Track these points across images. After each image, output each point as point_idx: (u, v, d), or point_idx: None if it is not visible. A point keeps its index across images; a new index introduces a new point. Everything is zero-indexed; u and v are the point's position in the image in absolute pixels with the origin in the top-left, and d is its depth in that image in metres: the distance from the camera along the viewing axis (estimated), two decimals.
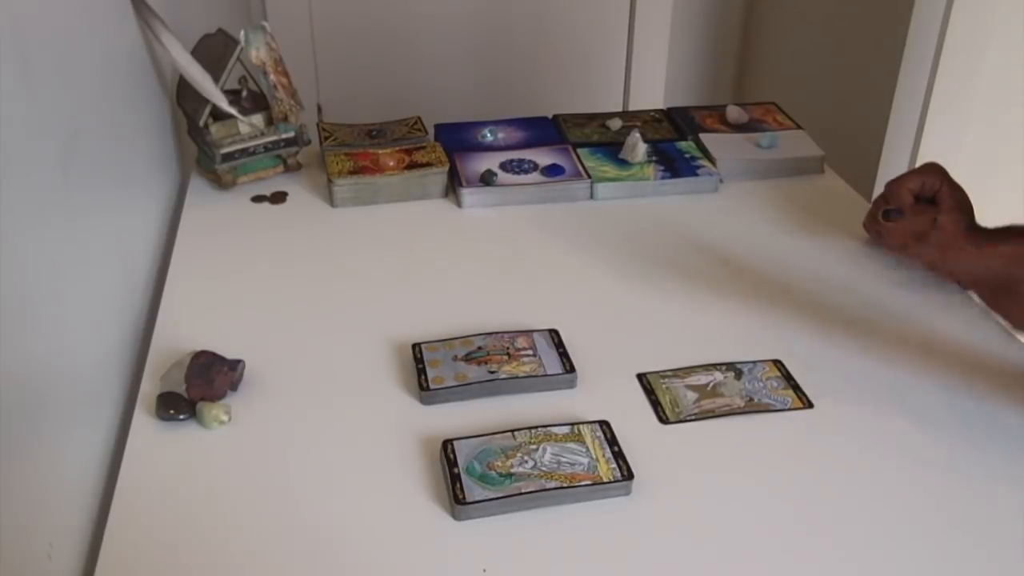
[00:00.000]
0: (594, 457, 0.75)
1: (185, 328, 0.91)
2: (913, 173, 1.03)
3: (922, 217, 1.01)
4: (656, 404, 0.83)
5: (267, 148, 1.19)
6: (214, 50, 1.15)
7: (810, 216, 1.14)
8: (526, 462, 0.74)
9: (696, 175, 1.19)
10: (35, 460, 0.66)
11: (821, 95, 2.06)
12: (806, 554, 0.69)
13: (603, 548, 0.69)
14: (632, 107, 2.37)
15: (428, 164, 1.17)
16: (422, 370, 0.85)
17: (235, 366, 0.83)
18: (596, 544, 0.70)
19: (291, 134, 1.20)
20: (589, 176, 1.18)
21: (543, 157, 1.22)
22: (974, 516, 0.73)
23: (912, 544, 0.70)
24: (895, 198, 1.02)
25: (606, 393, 0.84)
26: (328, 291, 0.99)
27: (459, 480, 0.73)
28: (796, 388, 0.85)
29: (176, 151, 1.24)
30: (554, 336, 0.90)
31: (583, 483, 0.73)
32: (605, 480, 0.73)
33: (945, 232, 0.96)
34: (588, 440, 0.77)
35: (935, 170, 1.03)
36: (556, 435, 0.77)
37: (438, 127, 1.29)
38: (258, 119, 1.18)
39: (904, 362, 0.89)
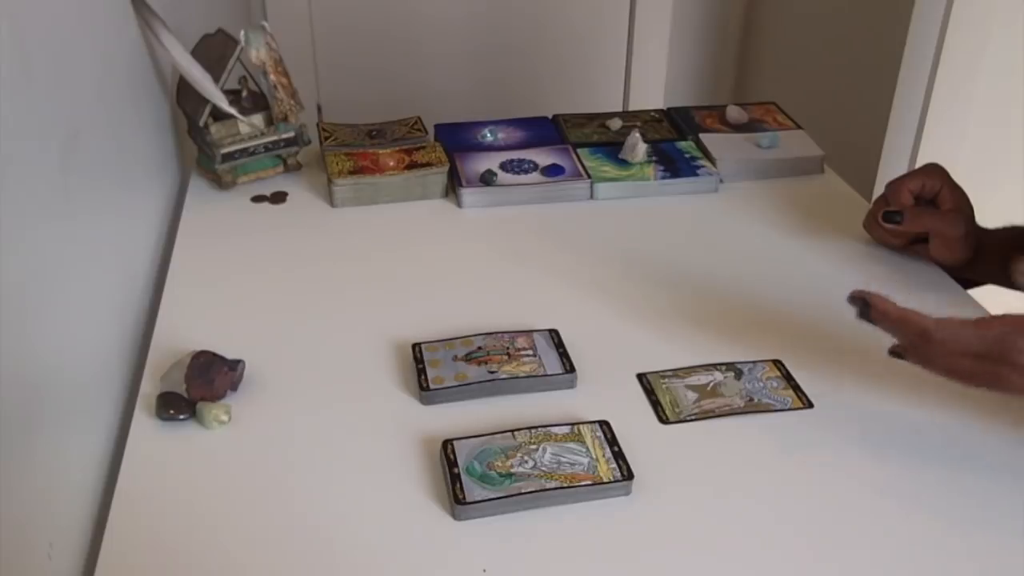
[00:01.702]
0: (594, 457, 0.75)
1: (185, 328, 0.91)
2: (914, 174, 1.03)
3: (921, 220, 1.01)
4: (656, 404, 0.83)
5: (267, 148, 1.19)
6: (214, 50, 1.15)
7: (810, 216, 1.14)
8: (526, 462, 0.74)
9: (696, 175, 1.19)
10: (35, 460, 0.66)
11: (821, 95, 2.06)
12: (806, 554, 0.69)
13: (603, 548, 0.69)
14: (632, 107, 2.37)
15: (428, 164, 1.17)
16: (422, 370, 0.85)
17: (235, 366, 0.83)
18: (596, 544, 0.70)
19: (291, 134, 1.20)
20: (589, 176, 1.18)
21: (543, 157, 1.22)
22: (975, 513, 0.73)
23: (913, 542, 0.70)
24: (895, 199, 1.02)
25: (606, 393, 0.84)
26: (328, 291, 0.99)
27: (459, 480, 0.73)
28: (796, 388, 0.85)
29: (176, 151, 1.24)
30: (554, 336, 0.90)
31: (583, 483, 0.73)
32: (605, 480, 0.73)
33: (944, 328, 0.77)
34: (588, 440, 0.77)
35: (936, 171, 1.03)
36: (556, 435, 0.77)
37: (438, 127, 1.29)
38: (258, 119, 1.18)
39: (904, 362, 0.89)
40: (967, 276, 1.04)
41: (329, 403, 0.83)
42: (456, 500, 0.71)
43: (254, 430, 0.80)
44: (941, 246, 1.00)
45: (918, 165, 1.78)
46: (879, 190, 1.07)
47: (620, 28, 2.36)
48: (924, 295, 0.99)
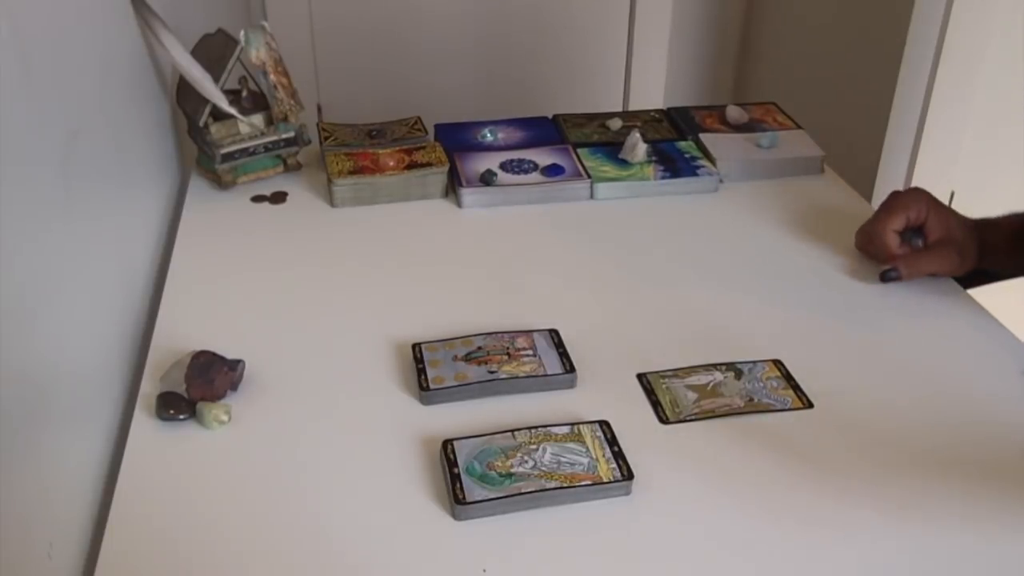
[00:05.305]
0: (594, 457, 0.75)
1: (185, 328, 0.91)
2: (894, 210, 1.00)
3: (918, 267, 0.99)
4: (656, 404, 0.83)
5: (267, 148, 1.19)
6: (214, 50, 1.15)
7: (810, 216, 1.14)
8: (526, 462, 0.75)
9: (696, 175, 1.19)
10: (35, 460, 0.66)
11: (821, 95, 2.06)
12: (806, 554, 0.69)
13: (603, 548, 0.69)
14: (632, 107, 2.37)
15: (428, 164, 1.17)
16: (422, 370, 0.85)
17: (235, 366, 0.83)
18: (596, 544, 0.70)
19: (291, 134, 1.20)
20: (589, 176, 1.18)
21: (543, 157, 1.22)
22: (975, 511, 0.73)
23: (913, 542, 0.70)
24: (882, 248, 1.00)
25: (606, 393, 0.84)
26: (328, 291, 0.99)
27: (459, 480, 0.73)
28: (796, 388, 0.85)
29: (176, 151, 1.24)
30: (554, 336, 0.90)
31: (583, 483, 0.73)
32: (605, 480, 0.73)
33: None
34: (588, 440, 0.77)
35: (915, 199, 1.01)
36: (556, 435, 0.77)
37: (438, 127, 1.29)
38: (258, 119, 1.18)
39: (904, 362, 0.90)
40: (981, 268, 1.02)
41: (329, 403, 0.83)
42: (456, 500, 0.71)
43: (254, 430, 0.80)
44: (944, 273, 1.00)
45: (918, 165, 1.79)
46: (879, 190, 1.07)
47: (620, 28, 2.36)
48: (924, 296, 0.99)
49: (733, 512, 0.72)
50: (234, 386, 0.83)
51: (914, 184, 1.74)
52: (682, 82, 2.47)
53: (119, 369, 0.87)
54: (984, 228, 1.03)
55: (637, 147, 1.20)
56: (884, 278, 0.99)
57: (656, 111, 1.37)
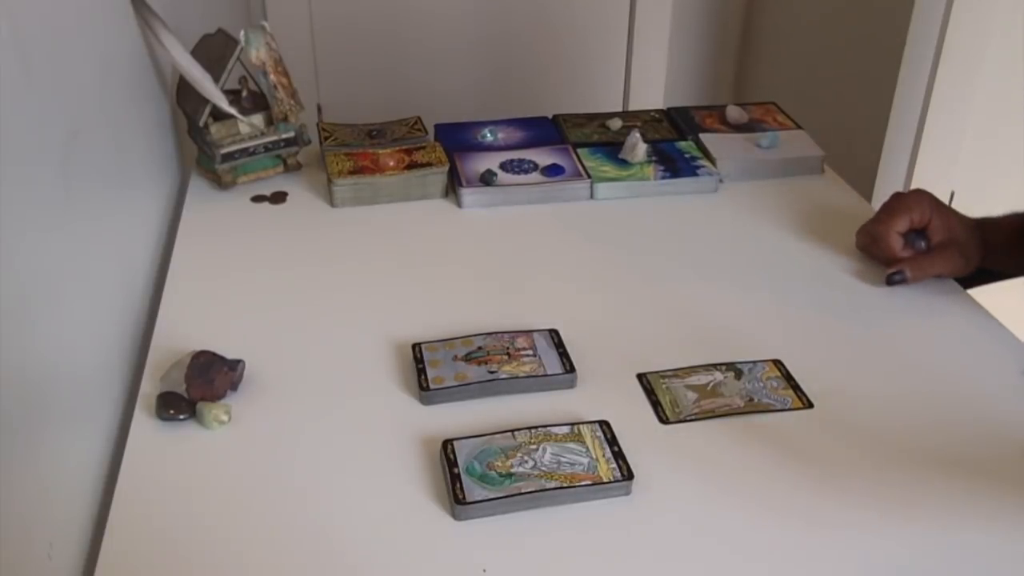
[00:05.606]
0: (594, 457, 0.75)
1: (185, 328, 0.91)
2: (898, 212, 1.00)
3: (923, 270, 0.99)
4: (656, 404, 0.83)
5: (267, 148, 1.19)
6: (214, 50, 1.15)
7: (810, 216, 1.14)
8: (526, 462, 0.75)
9: (696, 175, 1.19)
10: (35, 460, 0.66)
11: (821, 95, 2.06)
12: (806, 554, 0.69)
13: (603, 548, 0.69)
14: (632, 107, 2.37)
15: (428, 164, 1.17)
16: (422, 370, 0.85)
17: (235, 366, 0.83)
18: (596, 544, 0.70)
19: (291, 134, 1.20)
20: (589, 176, 1.18)
21: (543, 157, 1.22)
22: (975, 510, 0.73)
23: (913, 541, 0.70)
24: (887, 249, 1.00)
25: (606, 393, 0.84)
26: (328, 291, 0.99)
27: (459, 480, 0.73)
28: (796, 388, 0.85)
29: (176, 151, 1.24)
30: (554, 336, 0.90)
31: (583, 483, 0.73)
32: (605, 480, 0.73)
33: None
34: (588, 440, 0.77)
35: (918, 201, 1.01)
36: (556, 435, 0.77)
37: (438, 127, 1.29)
38: (258, 119, 1.18)
39: (904, 361, 0.90)
40: (983, 268, 1.03)
41: (329, 403, 0.83)
42: (456, 500, 0.71)
43: (254, 430, 0.80)
44: (949, 274, 1.00)
45: (918, 165, 1.79)
46: (879, 190, 1.07)
47: (620, 28, 2.36)
48: (924, 295, 0.99)
49: (733, 512, 0.72)
50: (234, 386, 0.83)
51: (914, 184, 1.75)
52: (682, 82, 2.47)
53: (119, 369, 0.87)
54: (985, 228, 1.03)
55: (637, 147, 1.20)
56: (890, 281, 0.99)
57: (656, 111, 1.37)
